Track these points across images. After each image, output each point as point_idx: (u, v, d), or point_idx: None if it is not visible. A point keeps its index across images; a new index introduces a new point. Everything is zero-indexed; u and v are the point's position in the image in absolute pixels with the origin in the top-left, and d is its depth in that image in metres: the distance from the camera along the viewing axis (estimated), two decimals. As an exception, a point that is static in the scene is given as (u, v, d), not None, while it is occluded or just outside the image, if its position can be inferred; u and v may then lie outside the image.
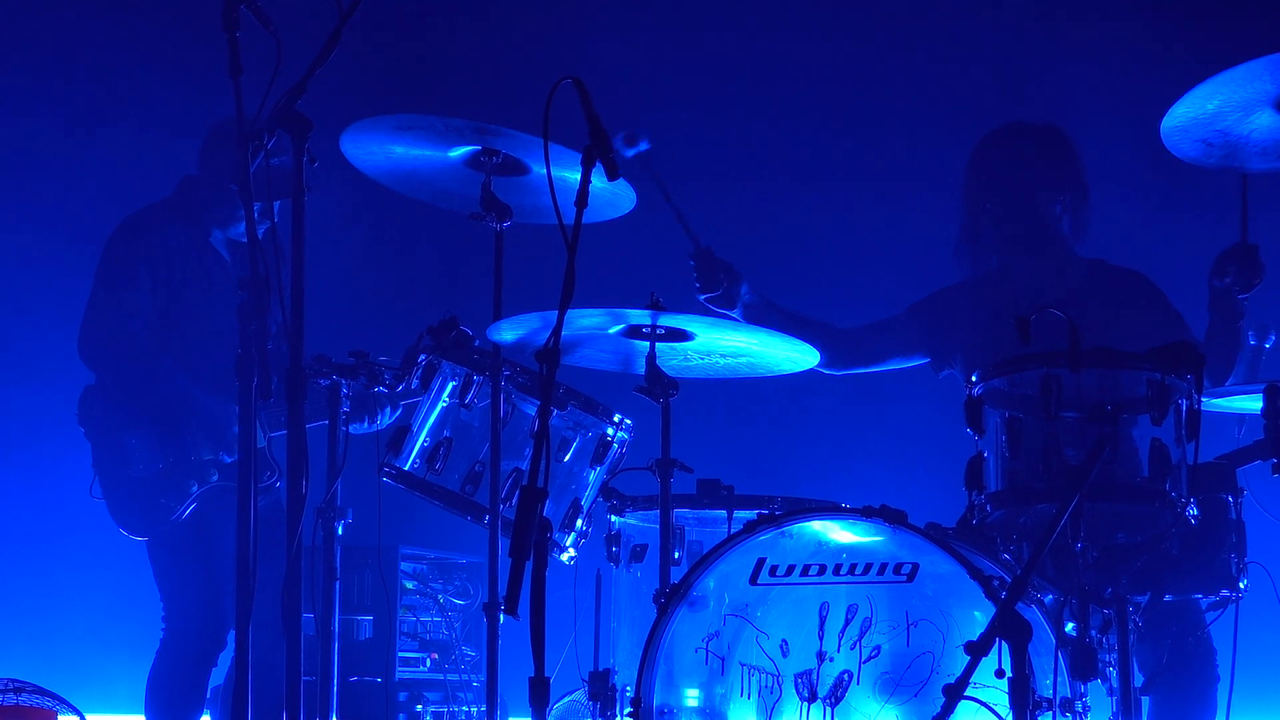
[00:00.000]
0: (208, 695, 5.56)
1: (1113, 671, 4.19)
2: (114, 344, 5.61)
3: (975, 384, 4.26)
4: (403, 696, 6.06)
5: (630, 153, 4.71)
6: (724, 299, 5.25)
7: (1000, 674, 3.64)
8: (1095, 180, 5.16)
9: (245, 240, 5.56)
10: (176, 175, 5.78)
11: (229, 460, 5.47)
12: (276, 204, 4.21)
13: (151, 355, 5.58)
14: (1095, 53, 7.01)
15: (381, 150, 4.59)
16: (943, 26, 7.43)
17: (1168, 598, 4.50)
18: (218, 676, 5.70)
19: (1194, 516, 4.12)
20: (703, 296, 5.12)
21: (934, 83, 7.31)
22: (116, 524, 5.52)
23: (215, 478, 5.47)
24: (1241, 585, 4.46)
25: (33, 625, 6.43)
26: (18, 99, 7.64)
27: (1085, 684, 4.09)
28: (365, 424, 5.43)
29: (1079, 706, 4.12)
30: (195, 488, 5.37)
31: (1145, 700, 4.71)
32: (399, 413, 5.51)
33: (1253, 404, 4.43)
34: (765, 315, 5.35)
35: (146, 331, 5.57)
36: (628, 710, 4.19)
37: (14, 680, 4.63)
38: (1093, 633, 4.11)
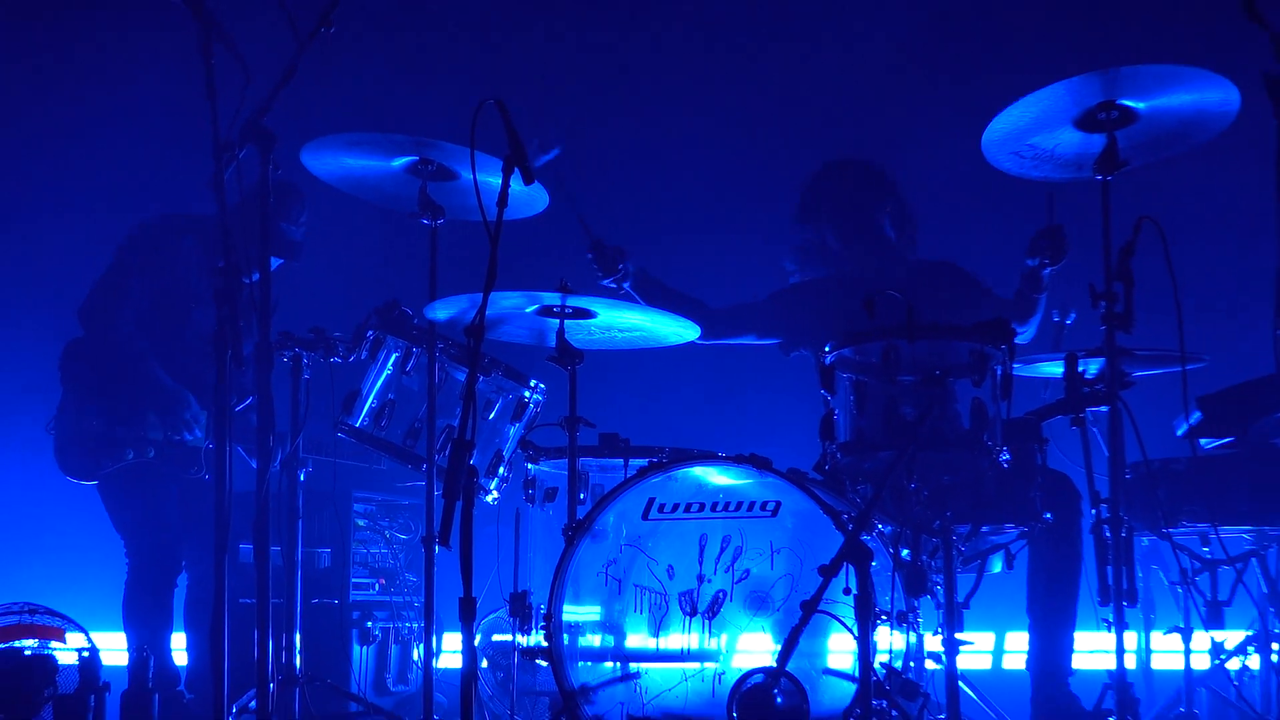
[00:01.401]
0: (173, 614, 5.64)
1: (939, 588, 4.39)
2: (101, 316, 5.60)
3: (828, 353, 4.43)
4: (355, 615, 6.14)
5: (542, 159, 4.80)
6: (618, 277, 5.36)
7: (847, 592, 3.84)
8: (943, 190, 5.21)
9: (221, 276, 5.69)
10: (164, 173, 5.85)
11: (176, 438, 5.53)
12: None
13: (129, 336, 5.57)
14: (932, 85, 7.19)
15: (335, 161, 4.70)
16: (800, 58, 7.45)
17: (985, 529, 4.69)
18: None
19: (1006, 461, 4.35)
20: (603, 281, 5.24)
21: (785, 108, 7.38)
22: (55, 461, 5.56)
23: (151, 454, 5.50)
24: (1046, 517, 4.63)
25: (40, 559, 6.57)
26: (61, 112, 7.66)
27: (917, 599, 4.35)
28: None
29: (911, 618, 4.36)
30: (131, 455, 5.40)
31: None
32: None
33: (1055, 369, 4.71)
34: (651, 289, 5.46)
35: (132, 314, 5.58)
36: (541, 624, 4.32)
37: (29, 603, 4.81)
38: (923, 557, 4.38)
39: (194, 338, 5.63)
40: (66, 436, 5.56)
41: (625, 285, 5.37)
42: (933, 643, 4.48)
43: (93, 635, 4.79)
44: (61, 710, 4.54)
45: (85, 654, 4.69)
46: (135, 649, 5.26)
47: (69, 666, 4.70)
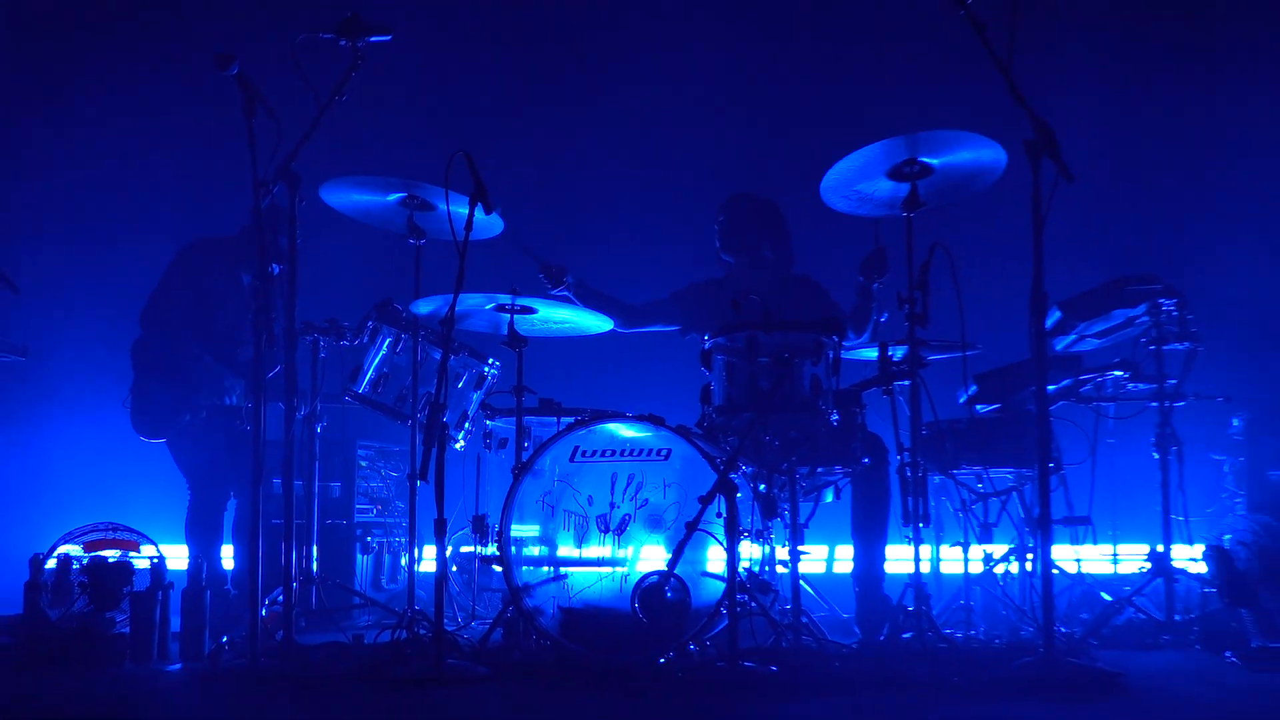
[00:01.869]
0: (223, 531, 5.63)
1: (787, 513, 4.42)
2: (156, 319, 5.53)
3: (708, 340, 4.46)
4: (358, 532, 6.11)
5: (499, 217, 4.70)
6: (563, 287, 5.29)
7: (719, 515, 3.89)
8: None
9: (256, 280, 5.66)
10: (208, 196, 5.77)
11: (218, 403, 5.45)
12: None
13: (177, 332, 5.48)
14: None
15: (345, 195, 4.69)
16: (702, 105, 7.34)
17: (820, 470, 4.70)
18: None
19: (835, 421, 4.40)
20: (551, 291, 5.16)
21: (690, 147, 7.25)
22: (131, 425, 5.49)
23: (203, 415, 5.41)
24: (865, 461, 4.72)
25: (124, 491, 6.49)
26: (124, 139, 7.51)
27: (770, 521, 4.40)
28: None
29: (766, 535, 4.40)
30: (187, 418, 5.32)
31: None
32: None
33: (871, 354, 4.77)
34: (586, 294, 5.38)
35: (178, 316, 5.50)
36: (495, 539, 4.33)
37: (112, 522, 4.78)
38: (774, 490, 4.45)
39: (223, 329, 5.54)
40: (138, 408, 5.50)
41: (568, 292, 5.30)
42: (781, 553, 4.52)
43: (160, 547, 4.77)
44: (136, 603, 4.53)
45: (155, 561, 4.68)
46: (193, 558, 5.26)
47: (142, 570, 4.69)
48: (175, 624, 4.59)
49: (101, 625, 4.54)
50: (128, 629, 4.53)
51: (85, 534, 4.70)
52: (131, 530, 4.72)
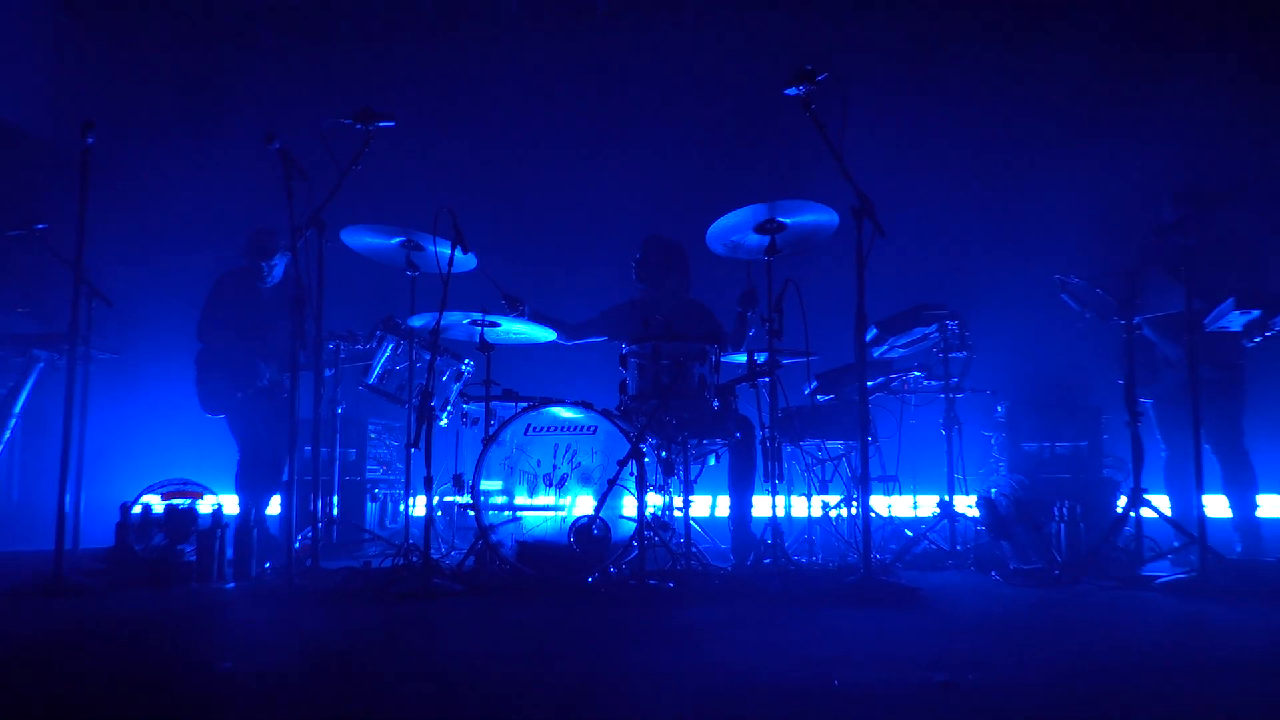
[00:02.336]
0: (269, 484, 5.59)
1: (681, 472, 4.45)
2: (205, 330, 5.46)
3: (625, 348, 4.47)
4: (369, 486, 6.09)
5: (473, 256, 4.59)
6: (519, 313, 5.17)
7: (633, 474, 3.99)
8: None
9: (269, 281, 5.56)
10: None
11: (259, 384, 5.37)
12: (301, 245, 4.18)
13: (223, 339, 5.42)
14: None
15: (359, 238, 4.65)
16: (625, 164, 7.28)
17: (705, 442, 4.72)
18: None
19: (716, 406, 4.43)
20: (510, 315, 5.00)
21: (619, 197, 7.18)
22: (199, 405, 5.42)
23: (251, 393, 5.36)
24: (737, 436, 4.76)
25: (192, 454, 6.36)
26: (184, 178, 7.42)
27: (668, 478, 4.39)
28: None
29: (666, 488, 4.43)
30: (239, 397, 5.29)
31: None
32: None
33: (742, 358, 4.82)
34: (538, 317, 5.25)
35: (220, 328, 5.43)
36: (469, 491, 4.32)
37: (183, 478, 4.69)
38: (672, 456, 4.39)
39: (251, 329, 5.45)
40: (203, 394, 5.42)
41: (525, 317, 5.17)
42: (677, 501, 4.56)
43: (219, 497, 4.73)
44: (201, 538, 4.48)
45: (215, 507, 4.63)
46: (242, 506, 5.22)
47: (205, 515, 4.63)
48: (230, 554, 4.56)
49: (174, 555, 4.49)
50: (194, 558, 4.48)
51: (162, 487, 4.64)
52: (197, 484, 4.67)
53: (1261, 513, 5.01)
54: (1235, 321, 4.27)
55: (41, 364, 5.45)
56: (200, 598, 4.03)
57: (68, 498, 4.18)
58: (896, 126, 6.87)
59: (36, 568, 4.20)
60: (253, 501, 5.28)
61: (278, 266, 5.56)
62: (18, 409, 5.53)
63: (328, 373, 5.33)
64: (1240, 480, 4.94)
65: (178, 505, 4.60)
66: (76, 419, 4.29)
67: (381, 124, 4.26)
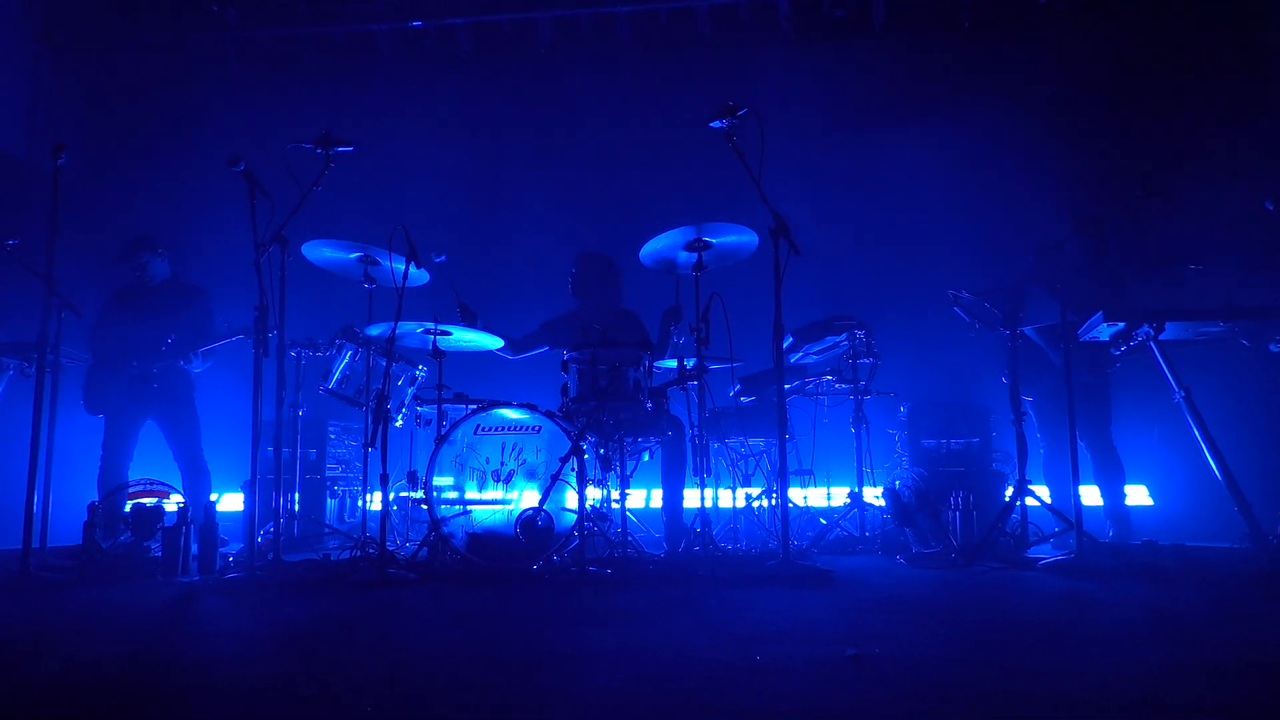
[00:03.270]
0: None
1: (618, 468, 4.46)
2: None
3: (565, 354, 4.44)
4: (328, 483, 5.95)
5: (438, 260, 4.56)
6: (472, 324, 5.16)
7: (574, 470, 3.96)
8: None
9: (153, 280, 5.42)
10: (224, 250, 5.57)
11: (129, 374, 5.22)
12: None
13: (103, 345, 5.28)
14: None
15: (319, 252, 4.55)
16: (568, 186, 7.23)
17: (640, 439, 4.73)
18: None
19: (649, 407, 4.42)
20: (463, 325, 4.86)
21: (561, 214, 7.09)
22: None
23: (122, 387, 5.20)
24: (669, 434, 4.79)
25: (156, 460, 6.15)
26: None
27: (606, 473, 4.40)
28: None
29: (604, 482, 4.44)
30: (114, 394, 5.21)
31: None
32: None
33: (673, 364, 4.84)
34: (488, 329, 5.32)
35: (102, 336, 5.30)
36: (422, 487, 4.23)
37: (151, 479, 4.55)
38: (610, 453, 4.41)
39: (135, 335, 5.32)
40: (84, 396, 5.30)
41: (477, 328, 5.11)
42: (615, 494, 4.55)
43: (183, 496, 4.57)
44: (166, 535, 4.32)
45: (180, 504, 4.49)
46: (208, 504, 5.04)
47: (171, 512, 4.49)
48: (195, 549, 4.41)
49: (140, 551, 4.36)
50: (160, 553, 4.33)
51: (129, 487, 4.49)
52: (163, 483, 4.53)
53: (1129, 501, 5.18)
54: (1104, 332, 4.38)
55: (10, 371, 5.21)
56: (166, 591, 3.88)
57: (36, 498, 4.01)
58: (809, 155, 6.95)
59: (5, 565, 4.02)
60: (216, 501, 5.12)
61: (149, 265, 5.44)
62: (-11, 414, 5.27)
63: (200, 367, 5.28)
64: (1110, 472, 5.09)
65: (144, 504, 4.45)
66: (45, 423, 4.11)
67: (340, 149, 4.19)
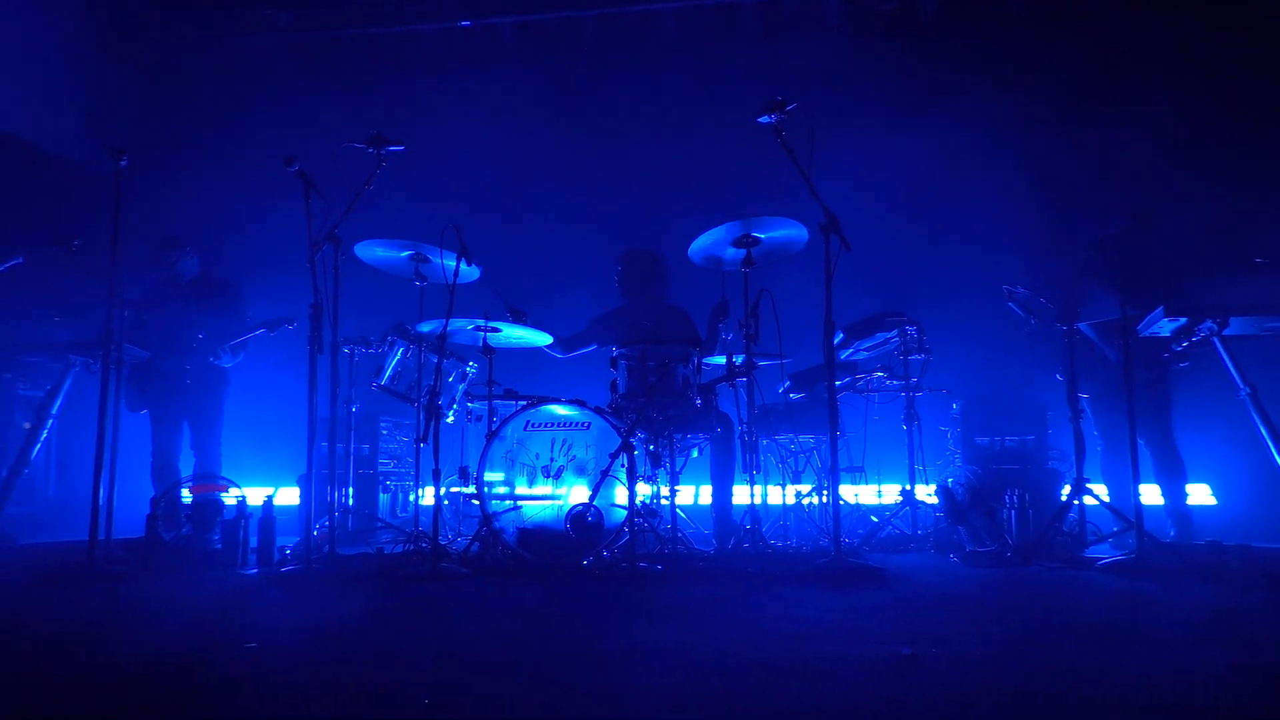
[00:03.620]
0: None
1: (668, 464, 4.45)
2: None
3: (615, 351, 4.47)
4: (381, 478, 5.98)
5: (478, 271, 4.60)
6: (518, 319, 5.21)
7: (624, 466, 3.95)
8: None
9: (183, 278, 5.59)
10: (281, 249, 5.68)
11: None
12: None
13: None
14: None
15: (372, 251, 4.60)
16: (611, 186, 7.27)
17: (689, 436, 4.75)
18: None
19: (698, 404, 4.43)
20: (513, 324, 4.87)
21: (606, 213, 7.14)
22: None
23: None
24: (718, 430, 4.80)
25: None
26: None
27: (656, 469, 4.37)
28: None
29: (654, 479, 4.40)
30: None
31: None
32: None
33: (721, 360, 4.84)
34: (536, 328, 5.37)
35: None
36: (473, 482, 4.26)
37: (209, 472, 4.70)
38: (659, 449, 4.40)
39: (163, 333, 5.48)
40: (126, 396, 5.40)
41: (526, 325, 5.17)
42: (664, 491, 4.55)
43: (245, 490, 4.68)
44: (226, 528, 4.44)
45: (239, 499, 4.59)
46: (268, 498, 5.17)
47: (230, 506, 4.60)
48: (254, 542, 4.52)
49: (202, 544, 4.47)
50: (220, 546, 4.45)
51: (189, 481, 4.61)
52: (223, 477, 4.64)
53: (1191, 500, 5.05)
54: (1165, 328, 4.28)
55: (76, 368, 5.38)
56: (226, 582, 3.98)
57: (101, 491, 4.13)
58: (861, 148, 6.86)
59: (72, 556, 4.15)
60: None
61: (179, 263, 5.60)
62: (55, 410, 5.45)
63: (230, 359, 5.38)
64: (1171, 471, 4.97)
65: (204, 498, 4.56)
66: (110, 418, 4.23)
67: (391, 148, 4.25)
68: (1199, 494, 6.05)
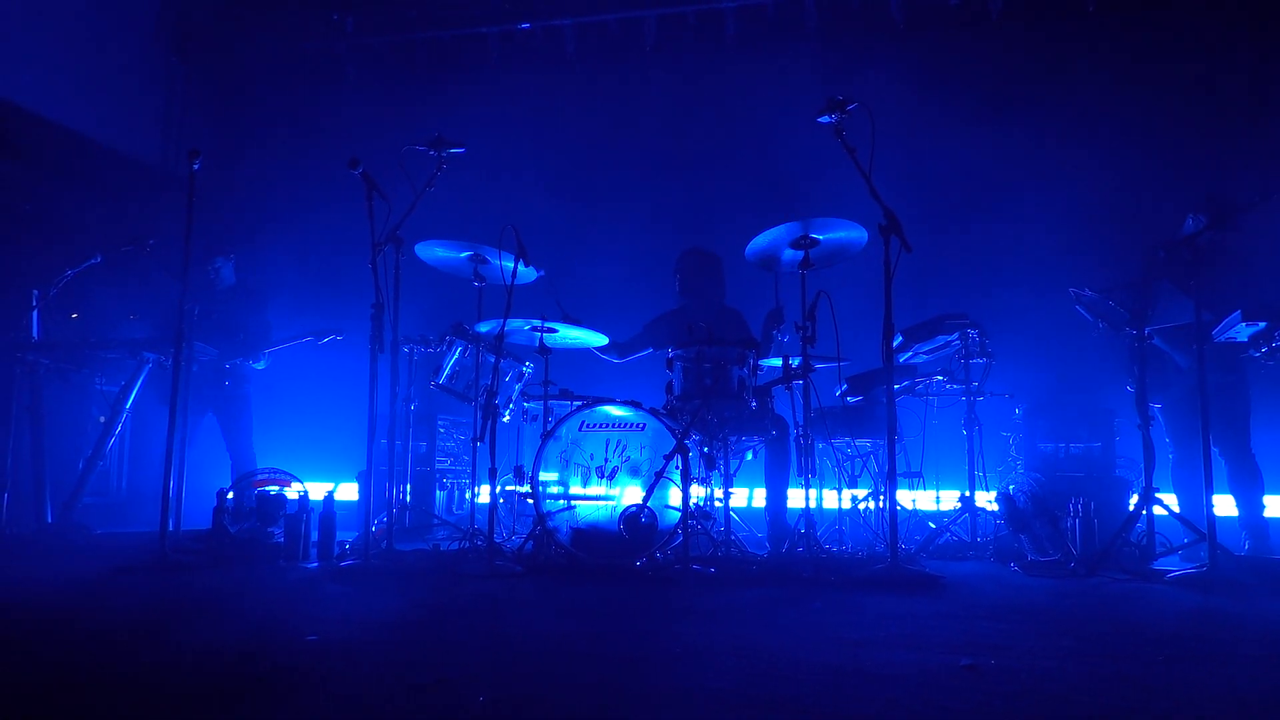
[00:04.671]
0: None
1: (722, 466, 4.47)
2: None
3: (670, 352, 4.47)
4: (438, 475, 6.04)
5: (539, 274, 4.66)
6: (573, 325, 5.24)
7: (678, 468, 3.94)
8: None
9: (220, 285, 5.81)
10: (343, 249, 5.82)
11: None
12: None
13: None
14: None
15: (432, 252, 4.67)
16: (665, 192, 7.24)
17: (744, 439, 4.70)
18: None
19: (754, 406, 4.42)
20: (569, 324, 4.91)
21: (662, 216, 7.14)
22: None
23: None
24: (773, 433, 4.75)
25: (285, 445, 6.40)
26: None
27: (710, 471, 4.37)
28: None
29: (708, 481, 4.41)
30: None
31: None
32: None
33: (777, 362, 4.80)
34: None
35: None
36: (528, 481, 4.29)
37: (275, 468, 4.77)
38: (714, 451, 4.42)
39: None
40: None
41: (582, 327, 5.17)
42: (718, 493, 4.53)
43: (306, 484, 4.78)
44: (289, 522, 4.55)
45: (301, 493, 4.69)
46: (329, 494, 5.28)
47: (293, 500, 4.70)
48: (314, 536, 4.61)
49: (265, 537, 4.57)
50: (282, 539, 4.55)
51: (254, 475, 4.72)
52: (286, 473, 4.74)
53: (1268, 513, 4.87)
54: (1242, 333, 4.14)
55: (149, 365, 5.55)
56: (289, 575, 4.07)
57: (171, 484, 4.26)
58: (923, 148, 6.79)
59: (145, 547, 4.28)
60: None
61: (222, 270, 5.89)
62: (129, 405, 5.64)
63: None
64: (1247, 481, 4.81)
65: (268, 492, 4.67)
66: (180, 414, 4.36)
67: (452, 150, 4.31)
68: (1277, 506, 5.82)
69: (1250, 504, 4.79)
